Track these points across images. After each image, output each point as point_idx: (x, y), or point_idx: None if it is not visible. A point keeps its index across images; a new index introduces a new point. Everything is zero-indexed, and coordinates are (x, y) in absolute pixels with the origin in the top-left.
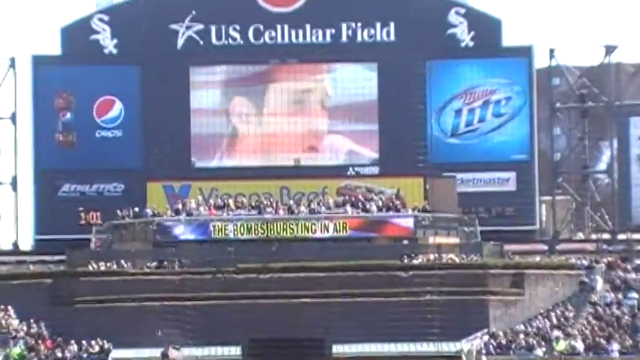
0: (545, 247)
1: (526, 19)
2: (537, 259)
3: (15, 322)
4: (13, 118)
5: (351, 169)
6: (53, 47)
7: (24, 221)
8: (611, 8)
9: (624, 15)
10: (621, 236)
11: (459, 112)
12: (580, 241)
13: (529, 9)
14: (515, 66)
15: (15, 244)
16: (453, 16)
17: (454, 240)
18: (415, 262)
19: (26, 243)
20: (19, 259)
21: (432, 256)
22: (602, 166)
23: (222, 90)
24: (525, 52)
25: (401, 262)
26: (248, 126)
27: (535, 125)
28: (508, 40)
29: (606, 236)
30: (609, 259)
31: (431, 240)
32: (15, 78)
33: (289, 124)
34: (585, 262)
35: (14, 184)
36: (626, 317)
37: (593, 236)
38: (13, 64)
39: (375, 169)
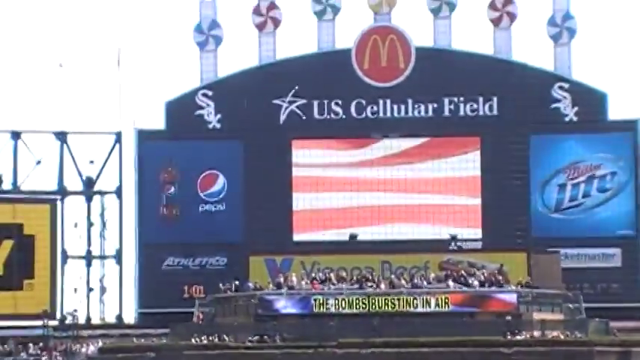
0: None
1: (633, 91)
2: None
3: None
4: (119, 192)
5: (453, 243)
6: (157, 122)
7: (128, 294)
8: None
9: None
10: None
11: (562, 187)
12: None
13: (634, 81)
14: (619, 140)
15: (119, 318)
16: (556, 91)
17: (558, 316)
18: (518, 338)
19: (130, 316)
20: (122, 333)
21: (535, 333)
22: None
23: (323, 164)
24: (630, 126)
25: (504, 339)
26: (349, 200)
27: None
28: (614, 113)
29: None
30: None
31: (534, 316)
32: (120, 152)
33: (391, 197)
34: None
35: (119, 257)
36: None
37: None
38: (119, 139)
39: (478, 244)
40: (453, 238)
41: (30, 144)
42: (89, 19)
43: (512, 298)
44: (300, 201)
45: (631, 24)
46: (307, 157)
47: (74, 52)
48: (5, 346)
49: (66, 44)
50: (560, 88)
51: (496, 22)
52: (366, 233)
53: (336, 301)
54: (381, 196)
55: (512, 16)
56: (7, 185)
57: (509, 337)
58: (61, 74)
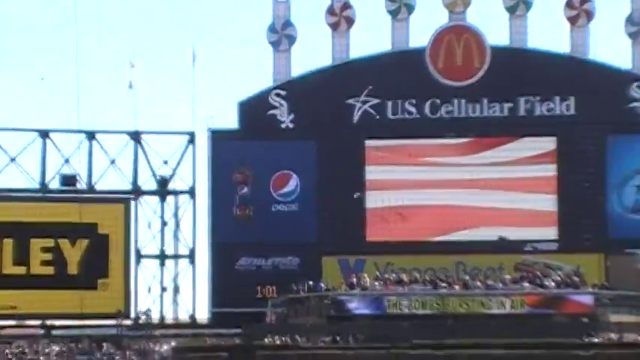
0: None
1: None
2: None
3: None
4: (192, 191)
5: (528, 244)
6: (231, 121)
7: (201, 294)
8: None
9: None
10: None
11: None
12: None
13: None
14: None
15: (192, 317)
16: (634, 90)
17: (636, 318)
18: (595, 340)
19: (203, 316)
20: (195, 332)
21: (613, 335)
22: None
23: (397, 164)
24: None
25: (580, 341)
26: (422, 200)
27: None
28: None
29: None
30: None
31: (612, 318)
32: (194, 152)
33: (464, 198)
34: None
35: (192, 257)
36: None
37: None
38: (192, 139)
39: (554, 245)
40: (502, 239)
41: (104, 144)
42: (163, 17)
43: (588, 300)
44: (374, 201)
45: None
46: (381, 157)
47: (148, 51)
48: (79, 344)
49: (140, 43)
50: (639, 87)
51: (573, 20)
52: (440, 234)
53: (410, 302)
54: (455, 196)
55: (589, 15)
56: (81, 185)
57: (586, 339)
58: (135, 74)
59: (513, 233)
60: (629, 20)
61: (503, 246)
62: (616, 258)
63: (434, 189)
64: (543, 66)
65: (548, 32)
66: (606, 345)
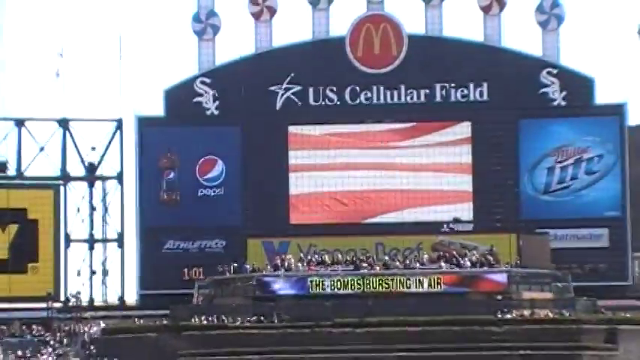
0: (639, 303)
1: (619, 76)
2: (628, 315)
3: None
4: (120, 177)
5: (445, 225)
6: (157, 108)
7: (129, 277)
8: None
9: None
10: None
11: (551, 169)
12: None
13: (622, 65)
14: (607, 124)
15: (121, 299)
16: (545, 76)
17: (547, 295)
18: (509, 317)
19: (131, 298)
20: (124, 314)
21: (525, 312)
22: None
23: (319, 149)
24: (617, 110)
25: (494, 317)
26: (344, 185)
27: (627, 182)
28: (601, 97)
29: None
30: None
31: (524, 295)
32: (121, 139)
33: (384, 181)
34: None
35: (120, 241)
36: None
37: None
38: (119, 126)
39: (469, 226)
40: (457, 220)
41: (33, 131)
42: (90, 7)
43: (502, 278)
44: (297, 185)
45: (617, 10)
46: (303, 143)
47: (75, 40)
48: (10, 327)
49: (67, 32)
50: (549, 73)
51: (486, 9)
52: (360, 216)
53: (332, 282)
54: (375, 180)
55: (501, 4)
56: (11, 171)
57: (499, 316)
58: (62, 62)
59: (431, 215)
60: (539, 9)
61: (418, 228)
62: (528, 238)
63: (354, 172)
64: (458, 54)
65: (462, 21)
66: (519, 321)
